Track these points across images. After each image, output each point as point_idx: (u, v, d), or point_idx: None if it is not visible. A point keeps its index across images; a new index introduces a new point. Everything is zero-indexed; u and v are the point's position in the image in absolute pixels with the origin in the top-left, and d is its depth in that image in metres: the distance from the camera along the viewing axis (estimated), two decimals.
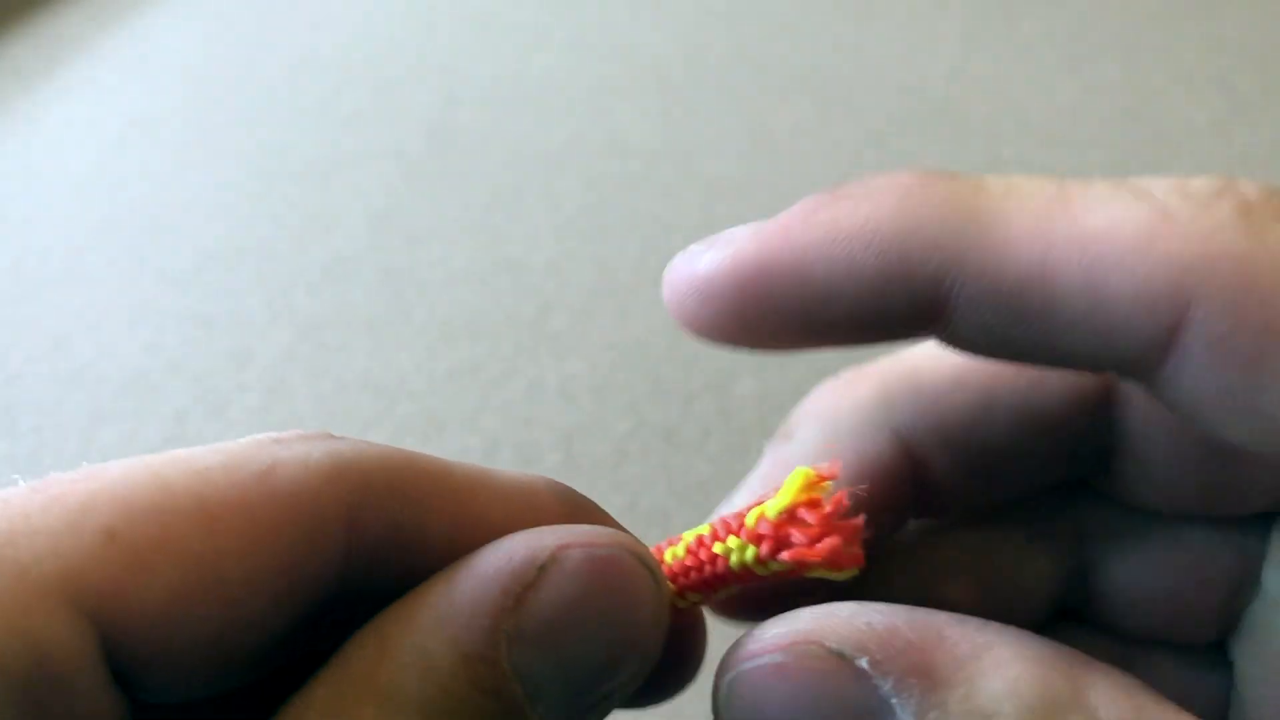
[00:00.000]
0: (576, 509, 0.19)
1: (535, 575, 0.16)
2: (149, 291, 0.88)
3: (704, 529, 0.18)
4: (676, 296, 0.18)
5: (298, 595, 0.17)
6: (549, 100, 1.16)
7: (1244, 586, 0.19)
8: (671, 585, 0.18)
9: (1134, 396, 0.17)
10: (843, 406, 0.17)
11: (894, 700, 0.15)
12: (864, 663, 0.16)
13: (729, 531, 0.18)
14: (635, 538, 0.18)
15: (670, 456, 0.73)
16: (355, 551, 0.17)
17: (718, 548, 0.18)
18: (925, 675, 0.15)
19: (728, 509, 0.20)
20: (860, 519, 0.17)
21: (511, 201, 0.99)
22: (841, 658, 0.16)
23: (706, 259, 0.18)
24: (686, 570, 0.18)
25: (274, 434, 0.18)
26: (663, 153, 1.07)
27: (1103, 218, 0.16)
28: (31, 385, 0.79)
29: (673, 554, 0.18)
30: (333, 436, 0.18)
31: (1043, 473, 0.20)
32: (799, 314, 0.17)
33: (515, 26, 1.32)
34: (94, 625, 0.15)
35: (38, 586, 0.15)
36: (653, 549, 0.18)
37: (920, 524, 0.21)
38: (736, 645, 0.17)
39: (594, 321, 0.85)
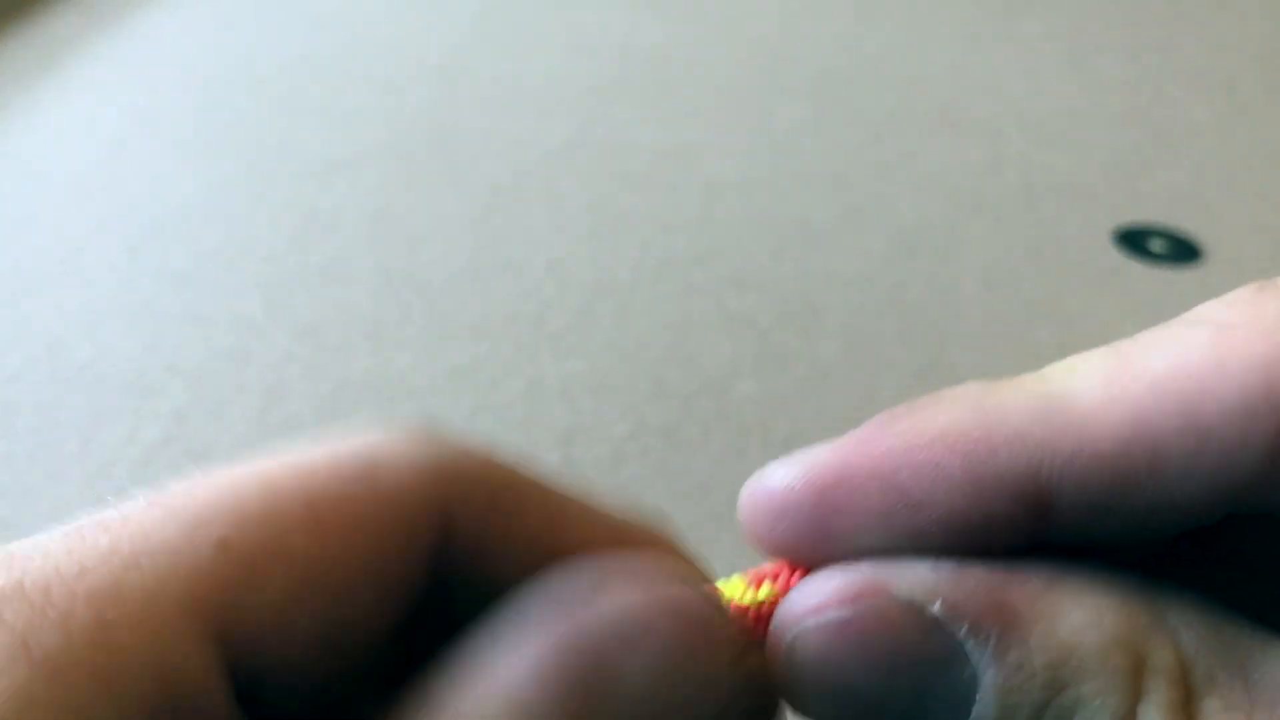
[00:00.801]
0: (653, 546, 0.19)
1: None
2: (148, 291, 0.88)
3: (733, 587, 0.18)
4: (752, 516, 0.18)
5: (397, 596, 0.16)
6: (549, 100, 1.16)
7: None
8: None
9: None
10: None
11: (970, 645, 0.15)
12: (937, 608, 0.15)
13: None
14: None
15: (670, 456, 0.73)
16: (446, 555, 0.17)
17: (751, 597, 0.18)
18: (1002, 614, 0.15)
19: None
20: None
21: (511, 201, 0.99)
22: (912, 606, 0.15)
23: (781, 473, 0.17)
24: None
25: (380, 430, 0.17)
26: (663, 152, 1.07)
27: (1165, 356, 0.15)
28: (31, 385, 0.79)
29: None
30: (438, 436, 0.18)
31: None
32: (885, 524, 0.16)
33: (515, 26, 1.32)
34: (216, 642, 0.15)
35: (166, 610, 0.14)
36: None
37: None
38: (791, 601, 0.16)
39: (594, 321, 0.85)
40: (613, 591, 0.15)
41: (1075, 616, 0.15)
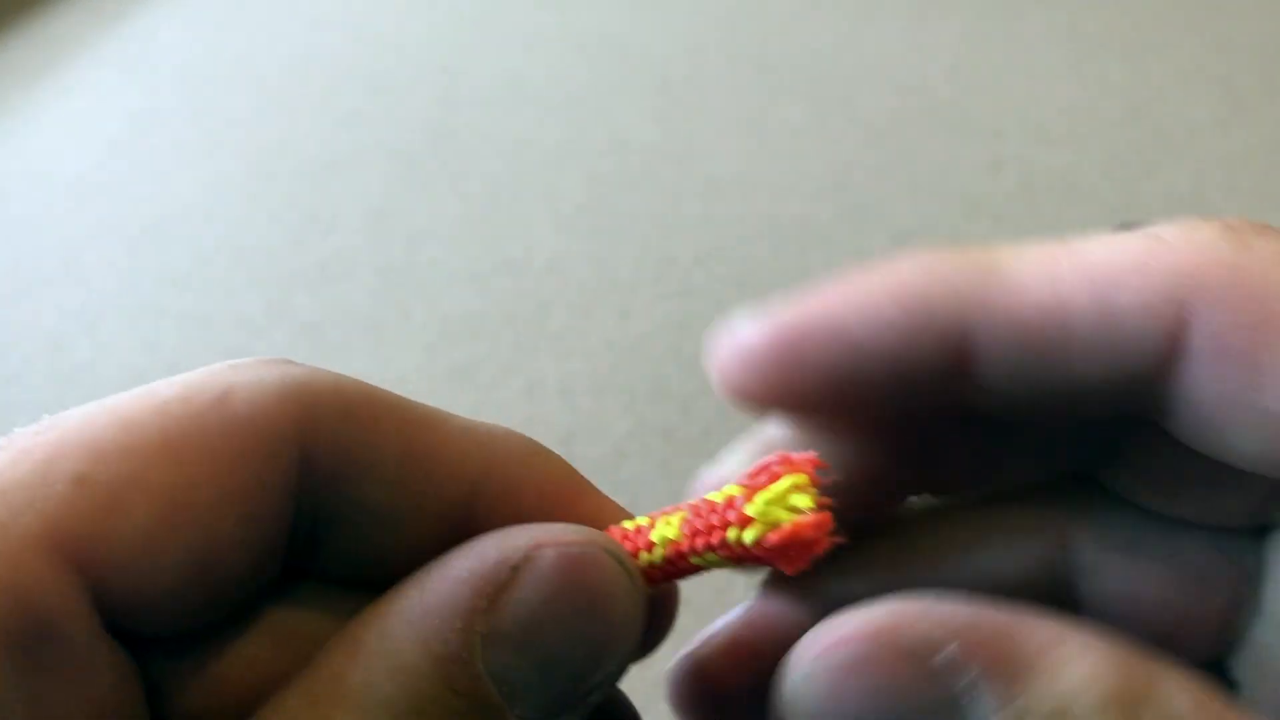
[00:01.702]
0: (534, 455, 0.19)
1: (509, 576, 0.16)
2: (147, 291, 0.88)
3: (674, 532, 0.18)
4: (721, 365, 0.19)
5: (262, 515, 0.17)
6: (549, 100, 1.16)
7: (1243, 603, 0.19)
8: (643, 578, 0.18)
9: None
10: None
11: (975, 691, 0.15)
12: (949, 651, 0.16)
13: (707, 546, 0.18)
14: (609, 536, 0.18)
15: (670, 456, 0.73)
16: (310, 473, 0.17)
17: (694, 560, 0.18)
18: (1008, 663, 0.15)
19: (706, 483, 0.19)
20: (829, 521, 0.17)
21: (511, 201, 0.99)
22: (920, 651, 0.16)
23: (748, 327, 0.18)
24: (660, 568, 0.18)
25: (232, 361, 0.18)
26: (663, 152, 1.07)
27: (1102, 249, 0.17)
28: (31, 385, 0.79)
29: (648, 559, 0.18)
30: (289, 362, 0.18)
31: (1070, 447, 0.20)
32: (836, 369, 0.18)
33: (515, 26, 1.32)
34: (79, 572, 0.15)
35: (19, 541, 0.14)
36: (616, 534, 0.19)
37: (916, 503, 0.21)
38: (807, 640, 0.17)
39: (594, 321, 0.85)
40: (503, 540, 0.16)
41: (1077, 671, 0.15)
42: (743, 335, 0.18)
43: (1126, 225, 0.18)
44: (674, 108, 1.15)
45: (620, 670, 0.17)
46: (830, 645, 0.16)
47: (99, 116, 1.12)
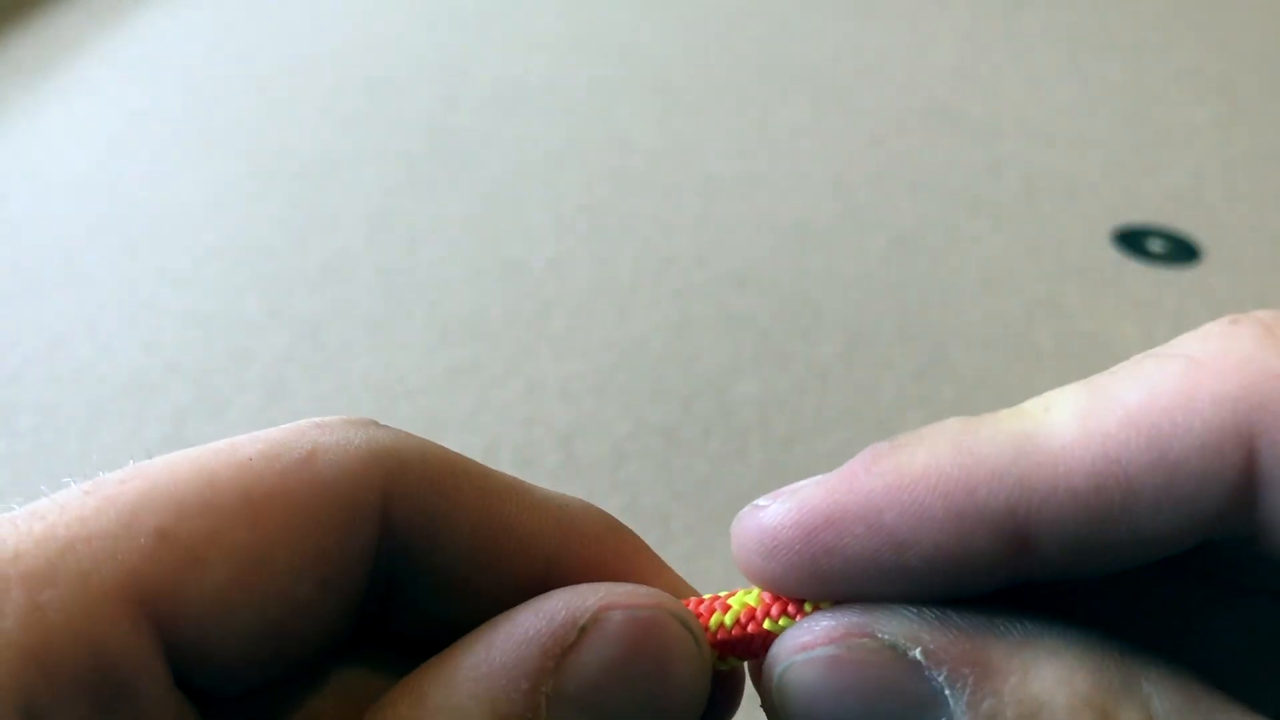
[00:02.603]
0: (610, 532, 0.19)
1: (576, 636, 0.16)
2: (148, 291, 0.88)
3: (753, 598, 0.18)
4: (744, 551, 0.18)
5: (340, 580, 0.17)
6: (549, 100, 1.16)
7: None
8: (713, 649, 0.18)
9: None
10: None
11: (947, 692, 0.15)
12: (918, 653, 0.16)
13: (783, 612, 0.18)
14: (678, 601, 0.18)
15: (670, 456, 0.73)
16: (389, 538, 0.17)
17: (769, 625, 0.18)
18: (978, 664, 0.15)
19: None
20: None
21: (511, 201, 0.99)
22: (895, 649, 0.16)
23: (771, 511, 0.18)
24: (731, 638, 0.18)
25: (317, 419, 0.18)
26: (663, 152, 1.07)
27: (1138, 389, 0.16)
28: (31, 385, 0.79)
29: (718, 621, 0.18)
30: (376, 424, 0.18)
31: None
32: (872, 562, 0.17)
33: (515, 26, 1.32)
34: (154, 626, 0.15)
35: (100, 592, 0.15)
36: (693, 604, 0.18)
37: None
38: (785, 638, 0.17)
39: (594, 321, 0.85)
40: (572, 599, 0.16)
41: (1048, 673, 0.15)
42: (767, 520, 0.18)
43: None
44: (675, 108, 1.15)
45: None
46: (807, 642, 0.17)
47: (99, 116, 1.12)
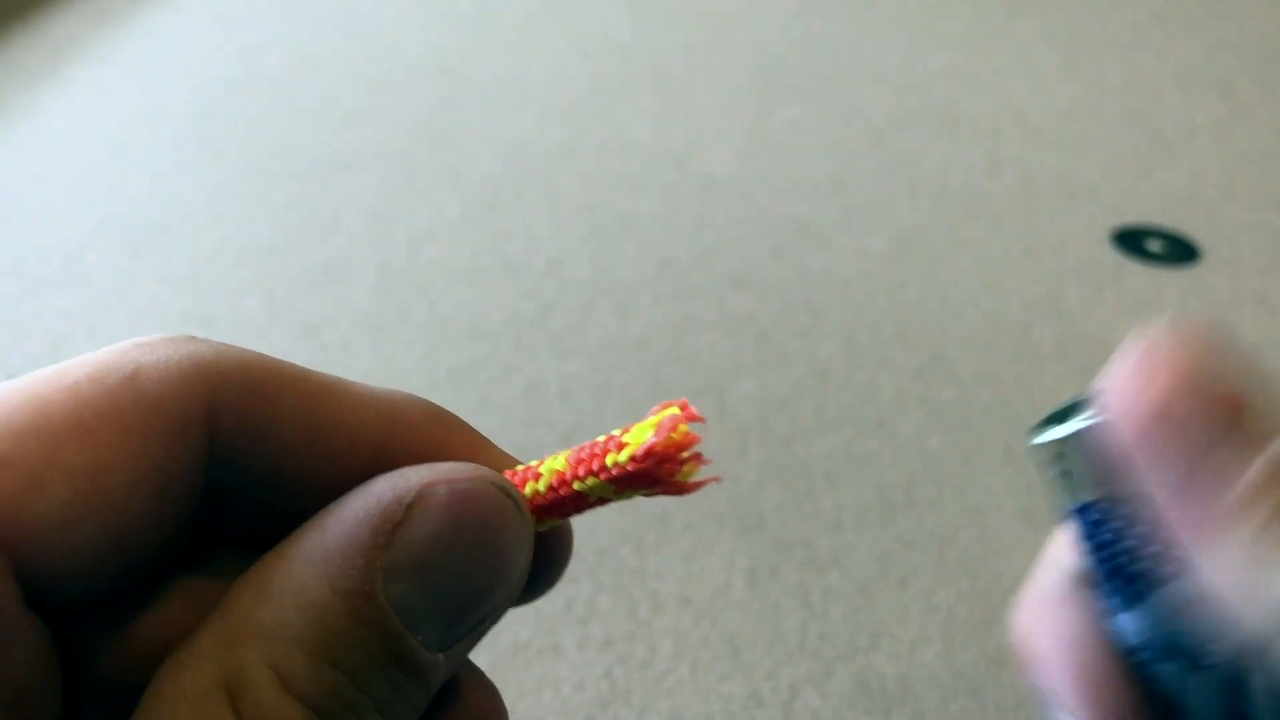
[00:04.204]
0: (431, 418, 0.20)
1: (404, 513, 0.17)
2: (149, 291, 0.88)
3: (561, 463, 0.19)
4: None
5: (173, 490, 0.17)
6: (549, 100, 1.16)
7: None
8: (532, 514, 0.19)
9: None
10: None
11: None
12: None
13: (589, 472, 0.19)
14: (497, 473, 0.19)
15: None
16: (218, 446, 0.18)
17: (578, 485, 0.19)
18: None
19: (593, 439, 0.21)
20: (694, 437, 0.19)
21: (511, 201, 0.99)
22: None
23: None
24: (547, 502, 0.19)
25: (139, 339, 0.19)
26: (663, 152, 1.07)
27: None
28: None
29: (533, 489, 0.19)
30: (195, 339, 0.19)
31: None
32: None
33: (515, 27, 1.32)
34: (1, 551, 0.16)
35: None
36: (509, 475, 0.20)
37: None
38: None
39: (594, 321, 0.85)
40: (397, 480, 0.17)
41: None
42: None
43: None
44: (674, 108, 1.15)
45: (509, 598, 0.18)
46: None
47: (100, 117, 1.12)
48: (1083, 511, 0.20)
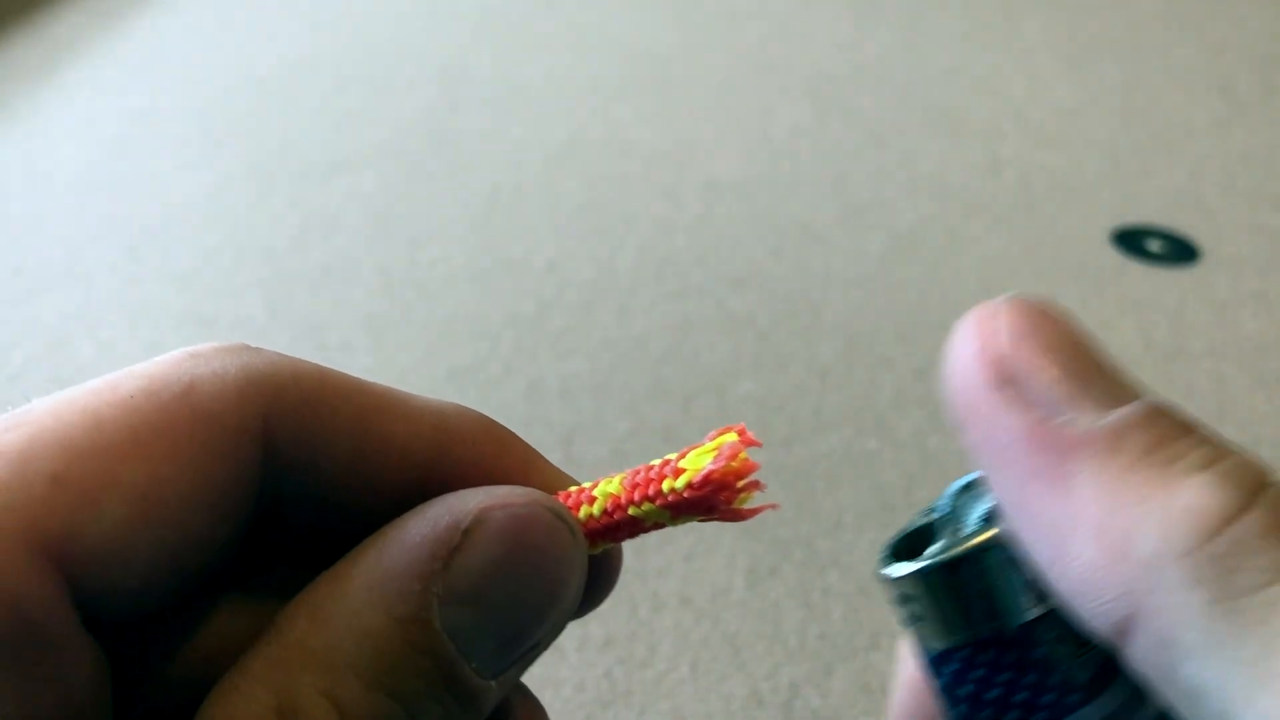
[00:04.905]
0: (485, 433, 0.20)
1: (460, 539, 0.17)
2: (149, 291, 0.88)
3: (615, 486, 0.19)
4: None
5: (228, 505, 0.17)
6: (549, 100, 1.16)
7: None
8: (586, 538, 0.19)
9: None
10: None
11: None
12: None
13: (644, 497, 0.19)
14: (552, 497, 0.19)
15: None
16: (272, 460, 0.18)
17: (633, 510, 0.19)
18: None
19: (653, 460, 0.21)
20: (752, 465, 0.18)
21: (511, 201, 0.99)
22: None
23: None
24: (601, 526, 0.19)
25: (191, 349, 0.18)
26: (663, 152, 1.07)
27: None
28: (32, 385, 0.79)
29: (587, 513, 0.19)
30: (248, 348, 0.18)
31: None
32: None
33: (515, 26, 1.32)
34: (57, 571, 0.15)
35: (2, 542, 0.15)
36: (563, 498, 0.20)
37: None
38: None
39: (594, 321, 0.85)
40: (454, 504, 0.17)
41: None
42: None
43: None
44: (675, 108, 1.15)
45: (562, 624, 0.18)
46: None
47: (100, 117, 1.12)
48: (941, 660, 0.18)
